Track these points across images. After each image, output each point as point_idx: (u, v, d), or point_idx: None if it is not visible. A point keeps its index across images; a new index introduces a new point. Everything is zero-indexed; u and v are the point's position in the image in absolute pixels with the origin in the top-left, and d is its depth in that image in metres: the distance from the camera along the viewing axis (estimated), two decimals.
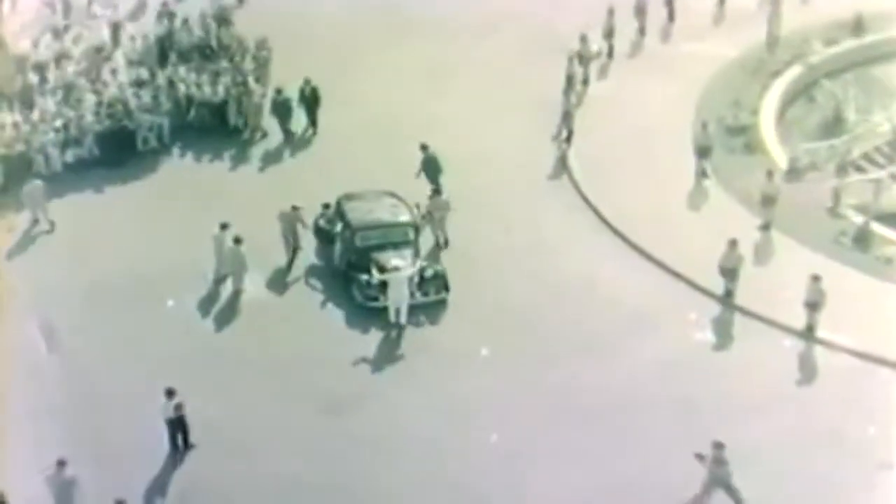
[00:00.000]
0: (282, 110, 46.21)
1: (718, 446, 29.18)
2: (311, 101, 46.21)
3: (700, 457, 29.28)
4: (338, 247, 38.22)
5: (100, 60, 49.19)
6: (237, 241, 37.44)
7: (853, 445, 31.19)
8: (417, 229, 38.44)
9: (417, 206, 39.16)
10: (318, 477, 30.83)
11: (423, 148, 42.03)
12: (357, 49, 51.36)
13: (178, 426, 31.45)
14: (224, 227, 37.99)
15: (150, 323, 36.43)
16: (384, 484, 30.54)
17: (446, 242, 39.52)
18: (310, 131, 46.44)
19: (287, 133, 46.20)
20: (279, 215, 38.59)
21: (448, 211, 39.35)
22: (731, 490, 29.47)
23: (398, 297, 35.97)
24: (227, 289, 37.91)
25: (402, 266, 36.55)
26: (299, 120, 46.52)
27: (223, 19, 51.56)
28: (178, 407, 31.22)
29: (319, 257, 39.13)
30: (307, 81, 46.34)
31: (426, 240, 39.12)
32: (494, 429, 32.16)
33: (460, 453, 31.36)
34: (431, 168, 41.90)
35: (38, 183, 41.46)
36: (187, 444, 31.60)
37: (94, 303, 37.14)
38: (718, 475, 29.31)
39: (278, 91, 46.57)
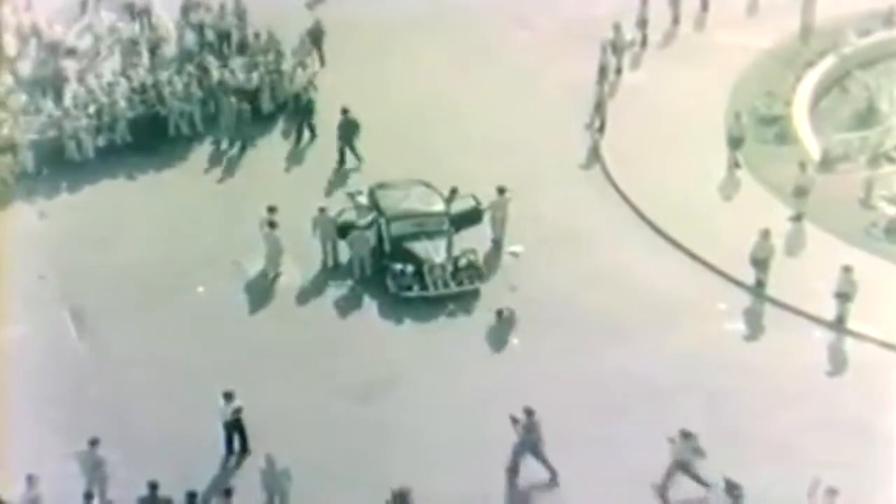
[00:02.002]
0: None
1: (529, 413, 29.86)
2: (305, 111, 45.79)
3: (514, 420, 29.79)
4: (362, 236, 38.07)
5: (131, 46, 49.32)
6: (271, 224, 37.54)
7: (882, 437, 31.02)
8: (451, 219, 38.42)
9: (475, 199, 39.16)
10: (344, 465, 30.97)
11: (344, 112, 42.93)
12: (388, 37, 51.21)
13: (234, 429, 31.31)
14: (272, 210, 37.95)
15: (181, 309, 36.58)
16: (411, 472, 30.38)
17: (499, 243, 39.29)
18: (307, 139, 45.80)
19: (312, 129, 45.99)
20: (313, 223, 38.27)
21: (507, 211, 39.14)
22: (539, 456, 30.13)
23: None
24: (264, 274, 38.06)
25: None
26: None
27: (319, 32, 50.72)
28: (237, 410, 31.05)
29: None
30: (305, 90, 46.29)
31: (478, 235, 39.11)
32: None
33: (488, 442, 31.31)
34: (347, 132, 42.93)
35: None
36: (245, 449, 31.46)
37: (125, 289, 37.31)
38: (529, 441, 29.94)
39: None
